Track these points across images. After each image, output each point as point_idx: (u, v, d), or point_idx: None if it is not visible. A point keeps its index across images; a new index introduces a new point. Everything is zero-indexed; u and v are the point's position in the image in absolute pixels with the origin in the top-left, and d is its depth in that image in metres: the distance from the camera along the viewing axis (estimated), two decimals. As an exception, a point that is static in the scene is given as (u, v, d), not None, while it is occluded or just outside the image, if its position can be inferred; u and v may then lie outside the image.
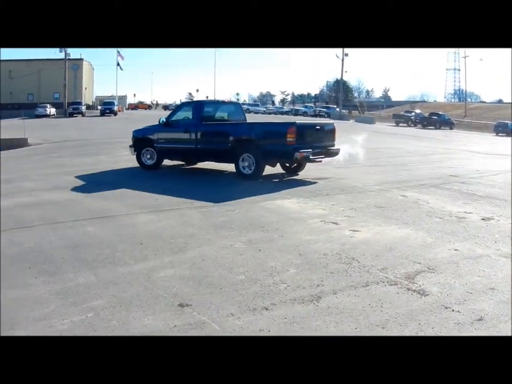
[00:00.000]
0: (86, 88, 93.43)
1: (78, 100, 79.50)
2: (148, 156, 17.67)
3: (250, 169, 14.94)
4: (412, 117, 71.23)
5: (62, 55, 78.03)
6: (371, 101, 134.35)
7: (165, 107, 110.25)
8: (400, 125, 68.67)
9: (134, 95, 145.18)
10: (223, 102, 20.16)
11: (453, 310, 5.82)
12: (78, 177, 16.09)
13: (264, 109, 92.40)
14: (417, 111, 79.22)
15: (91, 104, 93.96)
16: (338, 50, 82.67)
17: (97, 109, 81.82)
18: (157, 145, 17.44)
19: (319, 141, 15.27)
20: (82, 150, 25.36)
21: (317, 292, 6.32)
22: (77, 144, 27.95)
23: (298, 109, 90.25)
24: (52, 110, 73.85)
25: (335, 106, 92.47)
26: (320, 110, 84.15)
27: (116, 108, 72.74)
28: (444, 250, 8.13)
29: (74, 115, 70.38)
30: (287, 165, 16.44)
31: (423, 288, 6.50)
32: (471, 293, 6.36)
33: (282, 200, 11.85)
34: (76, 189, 14.01)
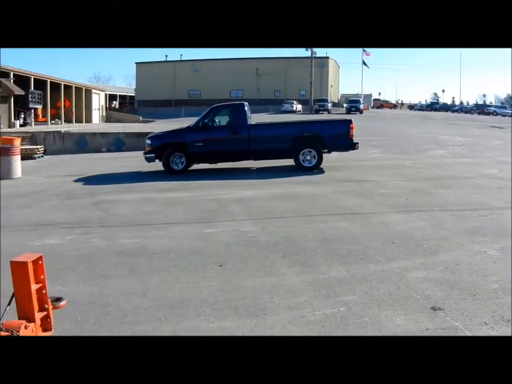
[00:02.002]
0: (331, 85, 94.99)
1: (324, 97, 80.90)
2: (178, 161, 17.82)
3: (312, 162, 17.45)
4: None
5: (308, 53, 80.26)
6: None
7: (410, 107, 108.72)
8: None
9: (379, 93, 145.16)
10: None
11: None
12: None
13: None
14: None
15: (336, 101, 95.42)
16: None
17: (342, 107, 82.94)
18: (191, 149, 17.76)
19: None
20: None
21: None
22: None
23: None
24: (298, 107, 76.08)
25: None
26: None
27: (361, 106, 73.10)
28: None
29: (320, 112, 71.60)
30: None
31: None
32: None
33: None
34: (324, 184, 14.36)
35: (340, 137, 17.73)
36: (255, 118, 19.94)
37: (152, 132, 20.51)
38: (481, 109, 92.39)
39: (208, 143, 17.74)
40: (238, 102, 19.42)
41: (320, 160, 17.54)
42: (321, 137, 17.60)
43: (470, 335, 5.18)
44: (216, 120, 18.47)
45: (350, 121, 18.02)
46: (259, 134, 17.92)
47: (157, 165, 18.06)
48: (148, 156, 18.35)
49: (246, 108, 18.18)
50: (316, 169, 17.30)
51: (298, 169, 17.25)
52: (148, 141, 18.51)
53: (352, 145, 17.78)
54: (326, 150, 17.85)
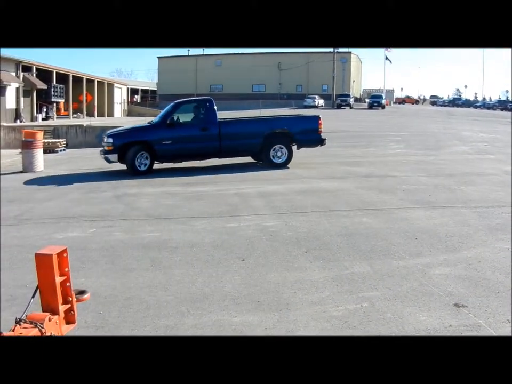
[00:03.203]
0: (354, 81, 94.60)
1: (346, 92, 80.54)
2: (143, 161, 16.55)
3: (283, 158, 17.36)
4: None
5: (330, 48, 79.88)
6: None
7: (432, 102, 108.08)
8: None
9: (401, 89, 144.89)
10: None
11: None
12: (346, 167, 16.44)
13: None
14: None
15: (359, 97, 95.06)
16: None
17: (364, 102, 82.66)
18: (159, 148, 16.64)
19: None
20: (352, 141, 25.78)
21: None
22: (348, 135, 28.39)
23: None
24: (320, 101, 75.79)
25: None
26: None
27: (383, 101, 72.61)
28: None
29: (342, 107, 71.32)
30: None
31: None
32: None
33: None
34: (346, 179, 14.32)
35: (309, 133, 17.85)
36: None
37: (113, 129, 19.26)
38: (504, 105, 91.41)
39: (176, 141, 16.76)
40: (206, 98, 18.70)
41: (290, 156, 17.47)
42: (291, 133, 17.53)
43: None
44: (182, 117, 17.53)
45: (318, 117, 18.21)
46: (230, 131, 17.33)
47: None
48: (108, 156, 16.90)
49: (214, 103, 17.53)
50: (286, 165, 17.23)
51: (269, 166, 17.10)
52: (109, 140, 16.84)
53: (320, 141, 17.94)
54: (295, 146, 17.75)
